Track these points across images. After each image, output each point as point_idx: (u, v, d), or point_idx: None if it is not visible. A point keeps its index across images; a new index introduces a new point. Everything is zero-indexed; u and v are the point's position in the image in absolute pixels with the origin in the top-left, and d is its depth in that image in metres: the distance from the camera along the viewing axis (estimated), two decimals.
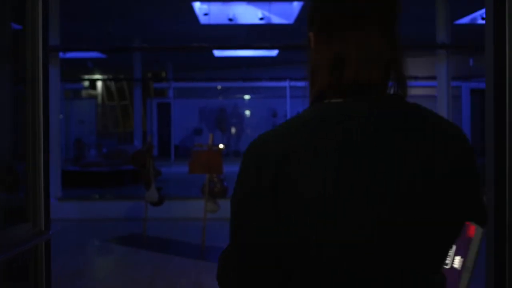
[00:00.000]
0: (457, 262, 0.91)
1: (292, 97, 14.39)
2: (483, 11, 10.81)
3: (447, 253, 0.89)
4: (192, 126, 15.57)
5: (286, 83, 14.11)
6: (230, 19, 10.64)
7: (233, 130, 16.22)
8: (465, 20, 10.41)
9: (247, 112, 16.54)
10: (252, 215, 0.84)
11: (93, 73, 19.92)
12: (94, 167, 9.87)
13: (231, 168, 14.05)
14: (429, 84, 15.24)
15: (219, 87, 16.29)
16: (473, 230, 0.90)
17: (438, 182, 0.82)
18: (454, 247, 0.92)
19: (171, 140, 14.47)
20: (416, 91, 15.53)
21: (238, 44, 7.59)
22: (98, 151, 11.68)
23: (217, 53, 15.04)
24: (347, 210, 0.79)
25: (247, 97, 16.56)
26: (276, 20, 11.06)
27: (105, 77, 19.31)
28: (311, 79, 0.89)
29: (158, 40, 12.18)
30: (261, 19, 10.67)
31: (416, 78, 14.14)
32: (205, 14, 10.44)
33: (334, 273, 0.79)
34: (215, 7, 10.59)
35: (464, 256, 0.90)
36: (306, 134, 0.81)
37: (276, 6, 10.70)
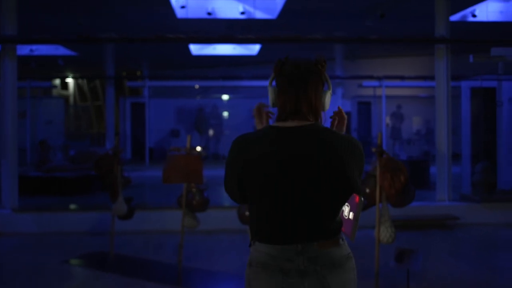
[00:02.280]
0: (351, 215, 1.78)
1: None
2: (473, 8, 10.34)
3: (339, 209, 1.65)
4: (169, 128, 14.71)
5: (267, 82, 13.38)
6: (209, 13, 9.97)
7: (211, 132, 15.41)
8: (455, 17, 9.89)
9: (227, 113, 15.76)
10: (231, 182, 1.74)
11: (64, 72, 18.94)
12: (59, 172, 8.95)
13: (211, 172, 13.24)
14: (414, 85, 14.76)
15: (197, 86, 15.46)
16: (358, 199, 1.79)
17: (323, 171, 1.61)
18: (348, 207, 1.85)
19: (146, 142, 13.58)
20: (402, 91, 15.02)
21: (218, 36, 6.81)
22: (65, 154, 10.75)
23: (195, 51, 14.27)
24: (281, 187, 1.61)
25: (226, 97, 15.78)
26: (258, 14, 10.43)
27: (76, 75, 18.28)
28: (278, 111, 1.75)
29: (132, 34, 11.39)
30: (242, 13, 10.01)
31: (402, 78, 13.61)
32: (182, 7, 9.74)
33: (276, 213, 1.63)
34: (193, 0, 9.95)
35: (354, 212, 1.78)
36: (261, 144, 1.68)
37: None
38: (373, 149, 3.69)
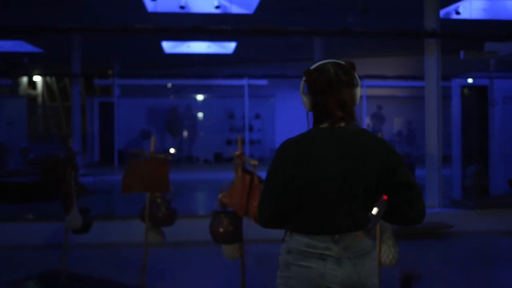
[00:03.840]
0: (374, 211, 1.79)
1: (251, 97, 13.04)
2: (457, 5, 9.93)
3: (372, 205, 1.80)
4: (139, 128, 13.95)
5: (244, 81, 12.75)
6: (182, 7, 9.36)
7: (185, 133, 14.69)
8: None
9: (201, 113, 15.06)
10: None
11: (31, 70, 18.01)
12: (16, 177, 8.14)
13: (184, 177, 12.54)
14: (396, 85, 14.36)
15: (169, 85, 14.72)
16: (385, 197, 1.80)
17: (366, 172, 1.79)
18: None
19: (115, 144, 12.79)
20: (383, 91, 14.60)
21: (190, 27, 6.15)
22: (24, 158, 9.92)
23: (168, 48, 13.57)
24: (330, 184, 1.77)
25: (201, 97, 15.08)
26: (234, 9, 9.86)
27: (39, 72, 17.36)
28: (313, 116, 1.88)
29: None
30: (217, 7, 9.42)
31: (383, 77, 13.18)
32: (153, 0, 9.11)
33: (321, 206, 1.79)
34: None
35: (379, 208, 1.79)
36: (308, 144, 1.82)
37: None
38: None
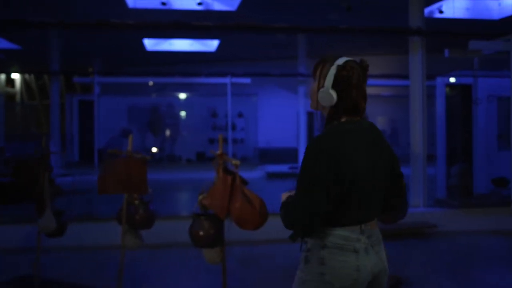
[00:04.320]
0: None
1: (234, 95, 12.87)
2: (440, 4, 9.90)
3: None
4: (120, 127, 13.67)
5: (227, 80, 12.56)
6: (163, 3, 9.16)
7: (167, 132, 14.45)
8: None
9: (184, 112, 14.84)
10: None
11: (9, 67, 17.59)
12: None
13: (167, 176, 12.32)
14: (379, 83, 14.32)
15: (151, 83, 14.46)
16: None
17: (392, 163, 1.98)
18: None
19: (95, 144, 12.51)
20: (367, 90, 14.55)
21: (170, 22, 5.96)
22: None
23: (150, 46, 13.33)
24: (366, 175, 1.84)
25: (183, 95, 14.86)
26: (217, 6, 9.69)
27: (16, 70, 16.96)
28: (337, 113, 1.90)
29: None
30: (200, 4, 9.25)
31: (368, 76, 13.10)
32: None
33: (357, 198, 1.84)
34: None
35: None
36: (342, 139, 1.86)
37: None
38: None
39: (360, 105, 1.86)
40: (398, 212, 2.95)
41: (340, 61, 1.87)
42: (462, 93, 7.29)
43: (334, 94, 1.83)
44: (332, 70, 1.84)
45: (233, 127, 13.62)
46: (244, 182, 3.21)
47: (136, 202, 3.80)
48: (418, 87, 6.67)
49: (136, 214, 3.78)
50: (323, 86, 1.85)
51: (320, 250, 1.81)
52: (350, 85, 1.84)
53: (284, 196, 1.91)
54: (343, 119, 1.85)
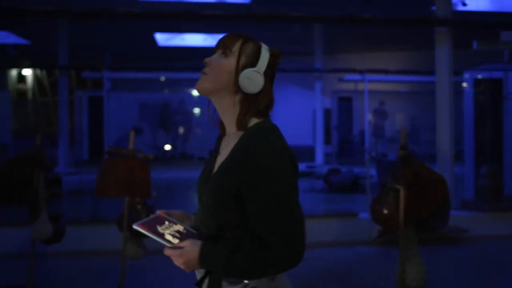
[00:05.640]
0: None
1: None
2: None
3: None
4: (130, 124, 13.36)
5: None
6: None
7: (180, 129, 14.10)
8: None
9: (197, 109, 14.47)
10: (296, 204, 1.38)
11: (18, 63, 17.43)
12: None
13: (179, 175, 11.93)
14: (399, 79, 13.84)
15: (162, 78, 14.12)
16: None
17: None
18: None
19: (104, 141, 12.21)
20: (385, 86, 14.07)
21: (180, 12, 5.57)
22: (3, 155, 9.31)
23: (162, 41, 12.99)
24: None
25: (196, 92, 14.48)
26: None
27: (25, 66, 16.78)
28: (254, 104, 1.46)
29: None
30: None
31: (386, 72, 12.64)
32: None
33: None
34: None
35: None
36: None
37: None
38: (400, 152, 2.52)
39: (273, 104, 1.50)
40: (441, 220, 2.54)
41: (265, 45, 1.51)
42: (492, 88, 6.80)
43: (262, 81, 1.44)
44: (265, 52, 1.47)
45: None
46: None
47: (139, 207, 3.42)
48: (444, 81, 6.19)
49: (139, 219, 3.39)
50: (244, 66, 1.44)
51: (270, 282, 1.37)
52: (273, 77, 1.51)
53: (185, 249, 1.34)
54: (260, 117, 1.45)
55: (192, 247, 1.33)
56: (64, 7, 5.89)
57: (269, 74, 1.49)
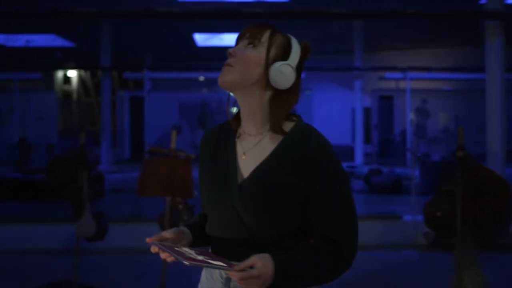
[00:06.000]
0: None
1: None
2: None
3: None
4: (170, 124, 13.49)
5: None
6: None
7: None
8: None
9: (235, 109, 14.46)
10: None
11: (64, 65, 17.93)
12: (40, 174, 7.76)
13: None
14: (441, 77, 13.43)
15: (201, 78, 14.20)
16: None
17: None
18: None
19: (145, 140, 12.38)
20: (427, 84, 13.68)
21: (220, 10, 5.55)
22: (49, 154, 9.57)
23: (200, 41, 13.05)
24: None
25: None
26: None
27: (70, 67, 17.23)
28: (286, 102, 1.34)
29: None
30: None
31: (429, 69, 12.28)
32: None
33: None
34: None
35: None
36: None
37: None
38: (458, 153, 2.38)
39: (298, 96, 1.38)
40: (505, 227, 2.38)
41: (294, 38, 1.38)
42: None
43: (294, 75, 1.32)
44: (296, 46, 1.34)
45: None
46: None
47: (180, 206, 3.39)
48: (496, 78, 5.93)
49: (180, 220, 3.37)
50: (274, 59, 1.31)
51: None
52: (301, 73, 1.37)
53: (259, 268, 1.18)
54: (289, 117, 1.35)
55: (265, 263, 1.18)
56: (107, 8, 5.98)
57: (299, 71, 1.37)
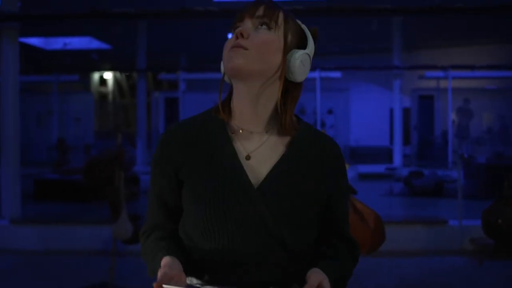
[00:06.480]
0: None
1: (323, 90, 12.14)
2: None
3: None
4: None
5: (316, 74, 11.86)
6: None
7: None
8: None
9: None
10: None
11: (100, 67, 18.24)
12: (77, 175, 7.82)
13: None
14: (485, 75, 12.95)
15: None
16: None
17: None
18: None
19: None
20: (469, 83, 13.21)
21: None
22: (87, 155, 9.68)
23: None
24: None
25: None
26: None
27: (105, 69, 17.52)
28: (297, 98, 1.18)
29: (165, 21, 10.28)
30: None
31: (472, 67, 11.81)
32: None
33: None
34: None
35: None
36: None
37: None
38: None
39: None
40: None
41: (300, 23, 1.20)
42: None
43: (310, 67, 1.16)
44: (309, 34, 1.17)
45: (322, 125, 12.91)
46: (352, 191, 2.54)
47: None
48: None
49: None
50: (290, 47, 1.13)
51: None
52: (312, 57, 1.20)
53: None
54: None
55: (325, 279, 1.07)
56: (143, 9, 5.95)
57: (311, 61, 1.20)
